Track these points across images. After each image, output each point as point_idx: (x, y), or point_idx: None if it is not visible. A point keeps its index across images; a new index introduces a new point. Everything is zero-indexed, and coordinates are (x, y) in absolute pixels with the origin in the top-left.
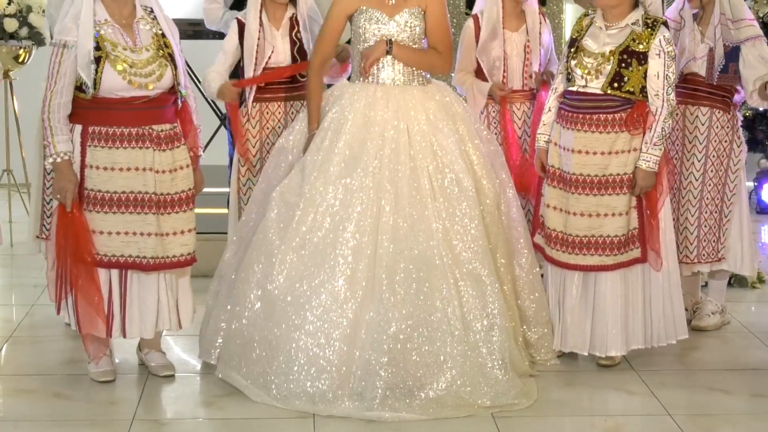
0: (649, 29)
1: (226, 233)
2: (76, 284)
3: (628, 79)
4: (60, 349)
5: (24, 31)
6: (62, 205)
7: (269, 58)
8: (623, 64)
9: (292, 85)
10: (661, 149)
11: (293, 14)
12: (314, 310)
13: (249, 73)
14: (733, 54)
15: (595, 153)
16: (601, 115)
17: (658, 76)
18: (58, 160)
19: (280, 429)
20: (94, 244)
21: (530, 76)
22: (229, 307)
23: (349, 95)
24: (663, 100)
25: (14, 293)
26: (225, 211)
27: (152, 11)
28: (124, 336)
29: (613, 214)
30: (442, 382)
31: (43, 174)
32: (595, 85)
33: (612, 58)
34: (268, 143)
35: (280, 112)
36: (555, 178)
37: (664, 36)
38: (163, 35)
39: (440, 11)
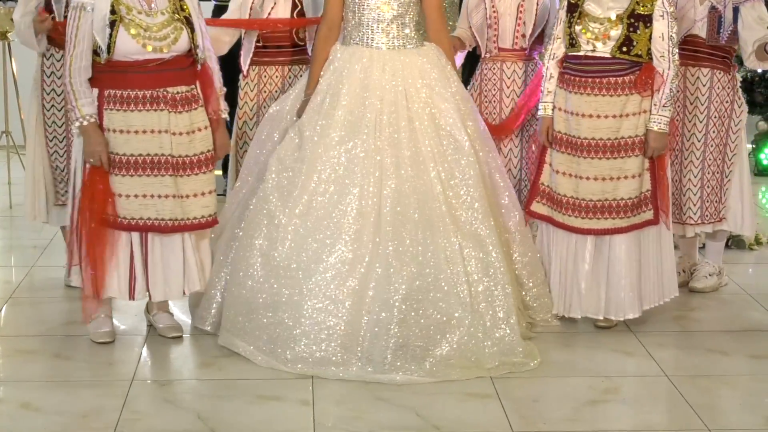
0: None
1: (221, 194)
2: (100, 247)
3: (637, 42)
4: (59, 310)
5: None
6: (93, 169)
7: (268, 16)
8: (631, 29)
9: (291, 49)
10: (670, 110)
11: None
12: (320, 275)
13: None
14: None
15: (606, 116)
16: (611, 79)
17: (663, 37)
18: (85, 123)
19: (279, 389)
20: (114, 207)
21: (522, 36)
22: (225, 274)
23: (345, 59)
24: (669, 61)
25: (14, 255)
26: (218, 172)
27: None
28: (150, 299)
29: (626, 177)
30: (449, 343)
31: (45, 141)
32: (604, 50)
33: (621, 23)
34: (265, 107)
35: (278, 77)
36: (562, 144)
37: None
38: None
39: None
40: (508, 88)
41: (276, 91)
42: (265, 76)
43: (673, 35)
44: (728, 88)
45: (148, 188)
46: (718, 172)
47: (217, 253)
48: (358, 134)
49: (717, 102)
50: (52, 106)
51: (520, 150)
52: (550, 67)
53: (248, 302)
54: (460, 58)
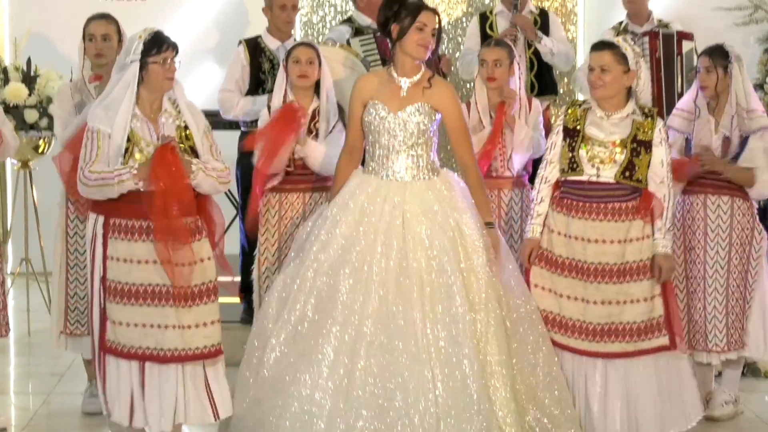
0: (649, 118)
1: (237, 321)
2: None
3: (638, 168)
4: None
5: (44, 122)
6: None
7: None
8: (635, 153)
9: (313, 176)
10: (672, 233)
11: (317, 107)
12: (299, 397)
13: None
14: (745, 143)
15: (612, 242)
16: (615, 204)
17: (663, 163)
18: (129, 174)
19: None
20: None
21: (509, 160)
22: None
23: (354, 185)
24: (668, 186)
25: (31, 382)
26: (236, 300)
27: (177, 103)
28: (148, 430)
29: (632, 301)
30: None
31: (66, 267)
32: (608, 174)
33: (625, 147)
34: (286, 234)
35: (299, 203)
36: (565, 268)
37: (662, 124)
38: (186, 127)
39: (457, 114)
40: (506, 215)
41: (297, 218)
42: (286, 203)
43: (670, 161)
44: (748, 215)
45: (148, 318)
46: (741, 299)
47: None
48: (346, 263)
49: (738, 229)
50: (75, 233)
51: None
52: (542, 191)
53: (242, 421)
54: None
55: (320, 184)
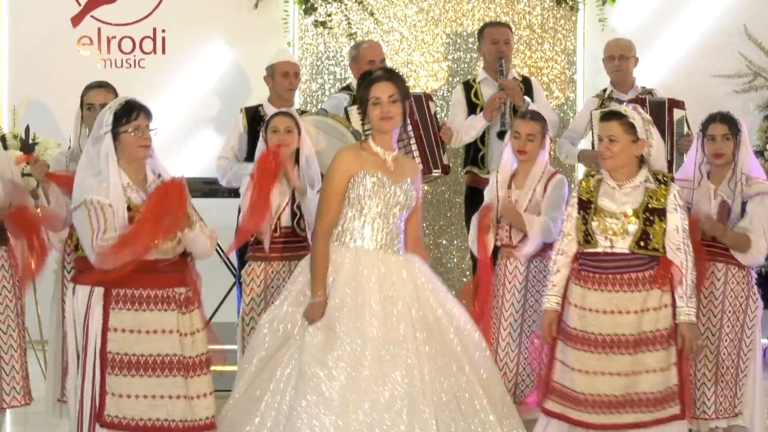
0: (663, 185)
1: (229, 390)
2: None
3: (653, 236)
4: None
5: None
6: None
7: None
8: (647, 222)
9: (298, 244)
10: (695, 300)
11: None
12: None
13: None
14: (742, 210)
15: (628, 312)
16: (631, 274)
17: (678, 229)
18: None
19: None
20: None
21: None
22: None
23: (355, 261)
24: (685, 253)
25: None
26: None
27: (161, 176)
28: None
29: (647, 371)
30: None
31: (61, 335)
32: (622, 246)
33: (638, 217)
34: (273, 303)
35: (285, 271)
36: (578, 341)
37: (676, 190)
38: None
39: (418, 192)
40: (520, 284)
41: (284, 285)
42: (272, 272)
43: (686, 226)
44: (743, 283)
45: (158, 389)
46: (732, 367)
47: None
48: (394, 328)
49: (731, 297)
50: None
51: (518, 345)
52: (557, 262)
53: None
54: None
55: (305, 252)
